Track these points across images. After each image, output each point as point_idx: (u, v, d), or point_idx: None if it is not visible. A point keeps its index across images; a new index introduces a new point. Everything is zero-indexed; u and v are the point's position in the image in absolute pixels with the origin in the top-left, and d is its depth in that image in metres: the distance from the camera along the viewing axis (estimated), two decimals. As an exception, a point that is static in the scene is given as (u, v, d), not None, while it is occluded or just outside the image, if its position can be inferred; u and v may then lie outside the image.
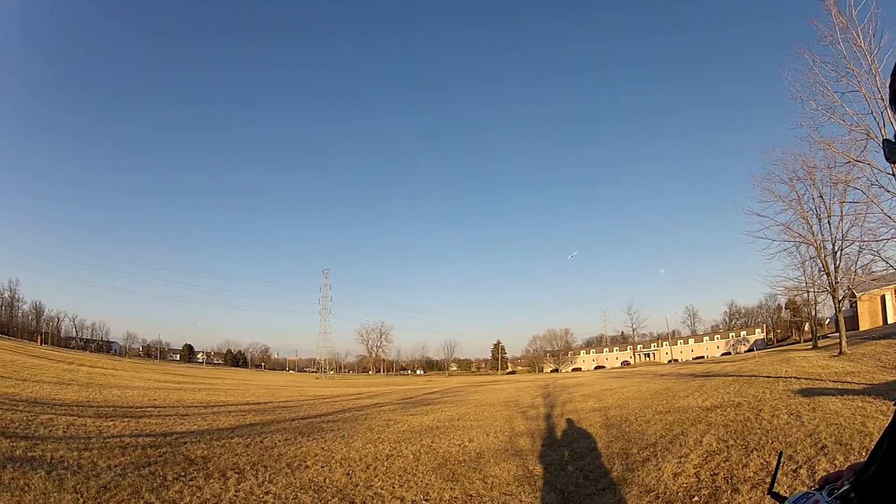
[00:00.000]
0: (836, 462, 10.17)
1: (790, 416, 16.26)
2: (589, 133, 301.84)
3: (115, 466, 11.99)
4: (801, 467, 10.32)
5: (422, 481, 12.47)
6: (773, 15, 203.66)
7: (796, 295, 66.51)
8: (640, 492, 10.32)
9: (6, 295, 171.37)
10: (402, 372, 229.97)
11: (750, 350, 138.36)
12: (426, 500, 10.85)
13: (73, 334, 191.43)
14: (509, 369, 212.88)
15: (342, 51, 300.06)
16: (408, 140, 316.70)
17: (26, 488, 9.45)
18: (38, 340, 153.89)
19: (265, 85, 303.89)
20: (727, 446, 13.28)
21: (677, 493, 9.95)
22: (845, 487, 2.06)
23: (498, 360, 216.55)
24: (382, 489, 11.66)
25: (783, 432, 14.01)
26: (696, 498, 9.52)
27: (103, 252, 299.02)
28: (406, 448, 17.09)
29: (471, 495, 11.19)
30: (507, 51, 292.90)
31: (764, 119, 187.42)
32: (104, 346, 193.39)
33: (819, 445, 11.97)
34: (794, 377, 28.71)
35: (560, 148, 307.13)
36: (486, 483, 12.19)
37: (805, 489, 2.26)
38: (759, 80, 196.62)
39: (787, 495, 2.27)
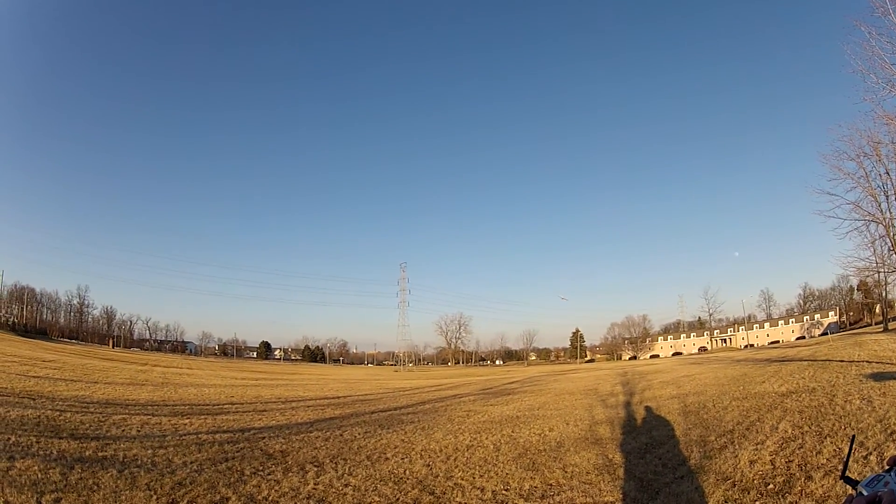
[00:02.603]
0: (906, 450, 9.98)
1: (862, 401, 15.96)
2: (656, 114, 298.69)
3: (191, 463, 12.13)
4: (871, 453, 10.25)
5: (502, 471, 12.62)
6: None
7: (867, 276, 65.20)
8: (717, 480, 10.34)
9: (75, 301, 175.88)
10: (481, 362, 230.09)
11: (823, 334, 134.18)
12: (506, 490, 10.93)
13: (147, 336, 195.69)
14: (588, 357, 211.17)
15: (424, 43, 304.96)
16: (480, 130, 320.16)
17: (95, 488, 9.47)
18: (110, 344, 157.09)
19: (330, 82, 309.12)
20: (802, 433, 13.19)
21: (753, 480, 9.95)
22: None
23: (577, 348, 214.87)
24: (462, 479, 11.81)
25: (855, 418, 13.83)
26: (770, 486, 9.50)
27: (175, 256, 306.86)
28: (486, 438, 17.27)
29: (550, 484, 11.29)
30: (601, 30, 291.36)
31: (836, 91, 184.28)
32: (179, 347, 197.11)
33: (888, 431, 11.82)
34: (867, 361, 27.99)
35: (626, 130, 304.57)
36: (565, 472, 12.29)
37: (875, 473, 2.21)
38: (827, 50, 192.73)
39: (858, 479, 2.22)
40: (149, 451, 12.90)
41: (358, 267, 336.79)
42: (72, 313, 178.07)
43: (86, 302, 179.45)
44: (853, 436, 3.16)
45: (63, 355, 60.14)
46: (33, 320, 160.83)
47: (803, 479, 9.42)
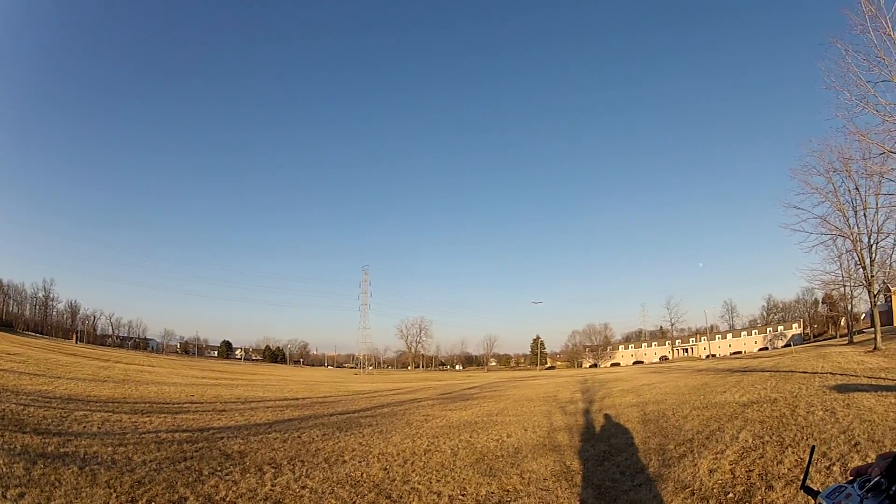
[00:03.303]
0: (868, 459, 10.00)
1: (825, 412, 16.12)
2: (623, 125, 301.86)
3: (151, 461, 12.07)
4: (834, 464, 10.26)
5: (459, 476, 12.53)
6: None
7: (833, 289, 66.14)
8: (676, 488, 10.31)
9: (40, 295, 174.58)
10: (441, 367, 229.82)
11: (787, 345, 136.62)
12: (463, 496, 10.87)
13: (110, 332, 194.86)
14: (548, 364, 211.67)
15: (386, 47, 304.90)
16: (445, 135, 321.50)
17: (57, 484, 9.46)
18: (74, 338, 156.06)
19: (299, 83, 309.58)
20: (763, 443, 13.22)
21: (713, 489, 9.92)
22: (877, 478, 2.02)
23: (537, 355, 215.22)
24: (419, 484, 11.72)
25: (818, 429, 13.91)
26: (730, 494, 9.49)
27: (140, 251, 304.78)
28: (444, 443, 17.20)
29: (507, 490, 11.23)
30: (551, 42, 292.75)
31: (803, 108, 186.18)
32: (141, 344, 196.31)
33: (852, 442, 11.88)
34: (830, 373, 28.42)
35: (593, 141, 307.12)
36: (523, 478, 12.24)
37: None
38: (799, 68, 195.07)
39: (819, 490, 2.23)
40: (109, 449, 12.91)
41: (320, 268, 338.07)
42: (37, 306, 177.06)
43: (51, 295, 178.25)
44: (813, 446, 3.18)
45: (28, 349, 60.45)
46: (0, 312, 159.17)
47: (764, 488, 9.42)
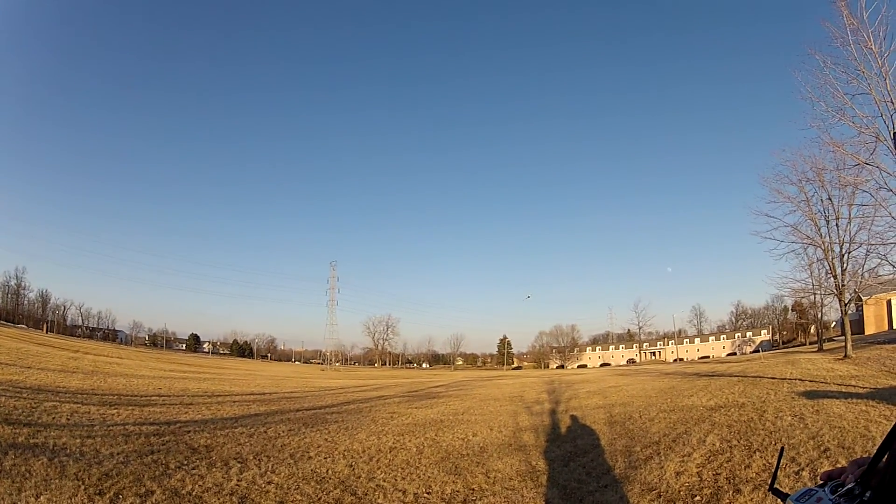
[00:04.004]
0: (838, 465, 10.11)
1: (794, 417, 16.25)
2: (594, 129, 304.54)
3: (118, 454, 12.02)
4: (803, 469, 10.34)
5: (424, 474, 12.48)
6: (786, 15, 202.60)
7: (803, 297, 66.74)
8: (643, 490, 10.32)
9: (12, 283, 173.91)
10: (408, 365, 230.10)
11: (755, 351, 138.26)
12: (428, 494, 10.84)
13: (80, 322, 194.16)
14: (515, 364, 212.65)
15: (349, 43, 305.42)
16: (413, 133, 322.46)
17: (27, 475, 9.47)
18: (44, 328, 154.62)
19: (268, 76, 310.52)
20: (730, 446, 13.28)
21: (679, 491, 9.95)
22: (850, 484, 2.05)
23: (504, 355, 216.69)
24: (385, 481, 11.68)
25: (786, 434, 14.01)
26: (697, 497, 9.51)
27: (110, 240, 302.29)
28: (409, 441, 17.14)
29: (473, 489, 11.19)
30: (514, 45, 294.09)
31: (776, 118, 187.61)
32: (110, 335, 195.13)
33: (822, 448, 11.98)
34: (799, 379, 28.69)
35: (565, 143, 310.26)
36: (488, 477, 12.19)
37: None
38: (771, 79, 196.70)
39: (788, 492, 2.25)
40: (78, 441, 12.90)
41: (289, 262, 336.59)
42: (8, 295, 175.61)
43: (23, 284, 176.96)
44: (782, 447, 3.21)
45: (-1, 338, 59.22)
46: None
47: (731, 491, 9.46)
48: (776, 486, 2.46)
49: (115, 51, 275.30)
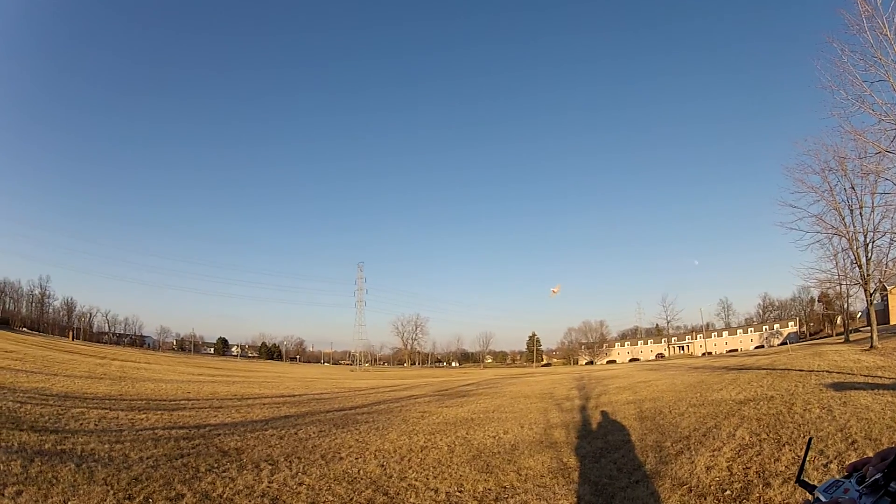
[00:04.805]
0: (865, 456, 10.02)
1: (822, 410, 16.09)
2: (619, 122, 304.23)
3: (147, 458, 12.05)
4: (831, 462, 10.26)
5: (456, 473, 12.51)
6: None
7: (829, 288, 65.94)
8: (673, 485, 10.29)
9: (36, 292, 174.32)
10: (437, 364, 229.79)
11: (783, 343, 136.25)
12: (460, 492, 10.84)
13: (106, 329, 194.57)
14: (544, 361, 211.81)
15: (380, 42, 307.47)
16: (438, 131, 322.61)
17: (54, 481, 9.42)
18: (70, 336, 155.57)
19: (291, 78, 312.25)
20: (759, 440, 13.21)
21: (710, 486, 9.91)
22: (876, 476, 2.02)
23: (533, 352, 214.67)
24: (416, 481, 11.72)
25: (814, 426, 13.89)
26: (728, 491, 9.47)
27: (135, 248, 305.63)
28: (441, 440, 17.17)
29: (504, 487, 11.21)
30: (539, 36, 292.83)
31: (801, 106, 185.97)
32: (137, 341, 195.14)
33: (849, 440, 11.88)
34: (826, 371, 28.38)
35: (590, 137, 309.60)
36: (520, 475, 12.21)
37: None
38: (794, 65, 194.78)
39: (816, 484, 2.22)
40: (106, 446, 12.87)
41: (316, 265, 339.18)
42: (33, 304, 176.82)
43: (47, 292, 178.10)
44: (810, 439, 3.17)
45: (24, 346, 60.59)
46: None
47: (761, 485, 9.41)
48: (804, 478, 2.42)
49: (135, 59, 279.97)
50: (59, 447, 12.21)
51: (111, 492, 9.21)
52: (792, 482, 9.25)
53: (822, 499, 2.17)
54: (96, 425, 15.92)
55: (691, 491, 9.75)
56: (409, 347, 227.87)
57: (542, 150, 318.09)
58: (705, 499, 9.28)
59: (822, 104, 29.00)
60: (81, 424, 15.72)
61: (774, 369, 34.34)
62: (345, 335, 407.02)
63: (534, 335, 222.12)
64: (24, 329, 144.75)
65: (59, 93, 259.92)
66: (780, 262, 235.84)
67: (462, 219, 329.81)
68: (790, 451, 11.66)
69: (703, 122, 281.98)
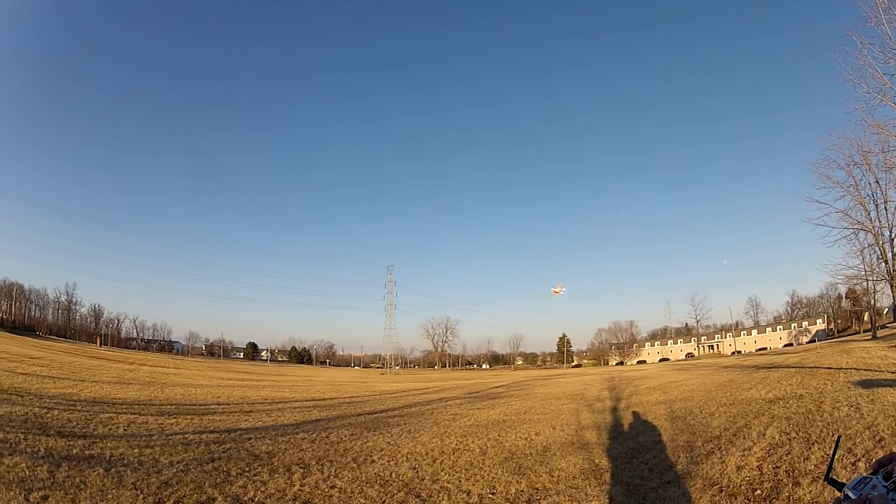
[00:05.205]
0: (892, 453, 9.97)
1: (850, 408, 16.03)
2: (642, 119, 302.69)
3: (178, 463, 12.11)
4: (859, 460, 10.25)
5: (488, 475, 12.50)
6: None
7: (856, 284, 65.49)
8: (704, 485, 10.29)
9: (63, 299, 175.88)
10: (467, 366, 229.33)
11: (811, 341, 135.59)
12: (492, 494, 10.84)
13: (134, 335, 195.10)
14: (575, 363, 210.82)
15: (403, 47, 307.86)
16: (469, 133, 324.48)
17: (82, 486, 9.46)
18: (98, 342, 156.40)
19: (321, 81, 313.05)
20: (789, 439, 13.19)
21: (740, 486, 9.90)
22: None
23: (563, 353, 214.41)
24: (449, 483, 11.72)
25: (843, 424, 13.87)
26: (758, 491, 9.47)
27: (163, 255, 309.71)
28: (472, 442, 17.17)
29: (537, 489, 11.20)
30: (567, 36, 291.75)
31: (826, 100, 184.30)
32: (166, 346, 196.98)
33: (877, 438, 11.86)
34: (854, 368, 28.23)
35: (618, 135, 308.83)
36: (552, 476, 12.20)
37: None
38: (819, 60, 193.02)
39: (845, 482, 2.21)
40: (135, 451, 12.91)
41: (345, 269, 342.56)
42: (60, 311, 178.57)
43: (74, 299, 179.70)
44: (838, 437, 3.14)
45: (51, 353, 60.79)
46: (21, 317, 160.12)
47: (791, 484, 9.40)
48: (832, 476, 2.41)
49: (167, 71, 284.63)
50: (87, 452, 12.31)
51: (141, 496, 9.31)
52: (821, 481, 9.24)
53: (852, 496, 2.18)
54: (125, 430, 16.03)
55: (722, 491, 9.75)
56: (439, 350, 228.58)
57: (570, 152, 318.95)
58: (736, 498, 9.29)
59: (845, 98, 28.81)
60: (110, 429, 15.83)
61: (803, 367, 34.18)
62: (375, 338, 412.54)
63: (564, 336, 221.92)
64: (51, 336, 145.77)
65: (82, 103, 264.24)
66: (808, 259, 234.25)
67: (491, 220, 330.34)
68: (819, 449, 11.66)
69: (728, 119, 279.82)
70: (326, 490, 10.74)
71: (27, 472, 9.88)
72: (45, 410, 17.82)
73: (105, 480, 9.92)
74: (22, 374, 30.12)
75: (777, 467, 10.73)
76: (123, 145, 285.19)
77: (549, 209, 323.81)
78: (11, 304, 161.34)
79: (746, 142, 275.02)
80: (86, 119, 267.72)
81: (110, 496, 9.07)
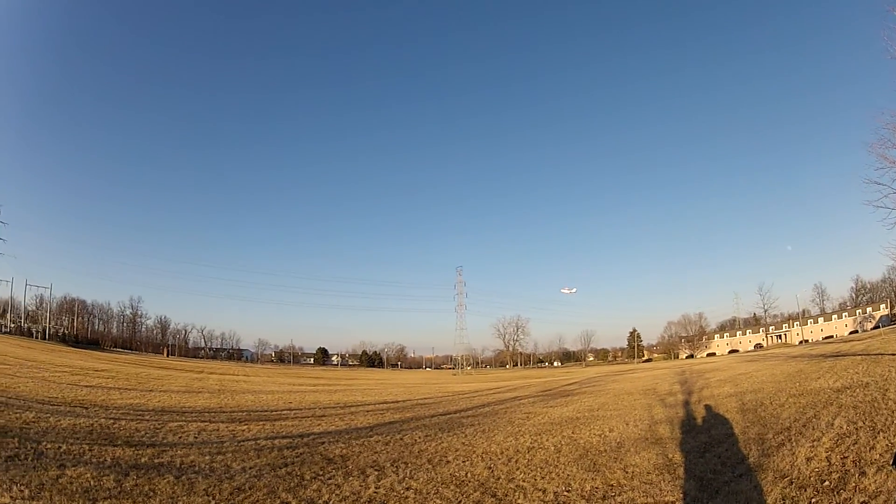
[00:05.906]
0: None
1: (915, 395, 15.79)
2: (706, 108, 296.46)
3: (250, 468, 12.27)
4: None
5: (563, 472, 12.73)
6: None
7: (917, 267, 64.11)
8: (775, 477, 10.42)
9: (128, 312, 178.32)
10: (539, 364, 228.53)
11: (875, 327, 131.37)
12: (567, 492, 11.02)
13: (202, 345, 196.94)
14: (645, 357, 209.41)
15: (473, 47, 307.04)
16: (530, 130, 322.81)
17: (151, 494, 9.55)
18: (165, 352, 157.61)
19: (377, 86, 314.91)
20: (856, 428, 13.21)
21: (809, 477, 10.03)
22: None
23: (634, 348, 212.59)
24: (524, 481, 11.92)
25: (908, 412, 13.60)
26: (826, 482, 9.62)
27: (233, 266, 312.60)
28: (547, 440, 17.43)
29: (611, 485, 11.41)
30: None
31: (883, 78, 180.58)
32: (235, 354, 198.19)
33: (942, 425, 11.64)
34: (918, 353, 27.85)
35: (680, 123, 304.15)
36: (626, 472, 12.42)
37: None
38: (870, 39, 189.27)
39: None
40: (206, 458, 13.09)
41: (415, 272, 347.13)
42: (125, 323, 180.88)
43: (139, 312, 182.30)
44: None
45: (116, 364, 61.01)
46: (84, 332, 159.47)
47: (857, 475, 9.54)
48: None
49: (230, 70, 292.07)
50: (156, 460, 12.39)
51: (213, 501, 9.54)
52: (885, 470, 9.40)
53: None
54: (196, 438, 16.08)
55: (792, 483, 9.89)
56: (510, 349, 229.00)
57: (632, 145, 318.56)
58: (805, 490, 9.42)
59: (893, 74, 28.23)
60: (180, 438, 15.84)
61: (868, 355, 33.84)
62: (446, 339, 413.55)
63: (634, 331, 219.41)
64: (116, 349, 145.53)
65: (142, 126, 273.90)
66: (871, 243, 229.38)
67: (558, 217, 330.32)
68: (884, 438, 11.72)
69: (783, 101, 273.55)
70: (402, 492, 10.91)
71: (92, 483, 9.92)
72: (112, 421, 17.77)
73: (175, 488, 10.07)
74: (86, 386, 30.06)
75: (844, 457, 10.81)
76: (174, 158, 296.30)
77: (615, 205, 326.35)
78: (74, 319, 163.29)
79: (806, 124, 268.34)
80: (134, 138, 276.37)
81: (181, 502, 9.31)
